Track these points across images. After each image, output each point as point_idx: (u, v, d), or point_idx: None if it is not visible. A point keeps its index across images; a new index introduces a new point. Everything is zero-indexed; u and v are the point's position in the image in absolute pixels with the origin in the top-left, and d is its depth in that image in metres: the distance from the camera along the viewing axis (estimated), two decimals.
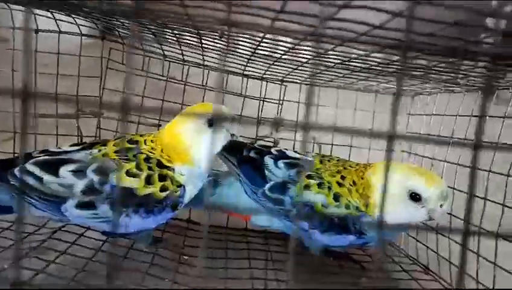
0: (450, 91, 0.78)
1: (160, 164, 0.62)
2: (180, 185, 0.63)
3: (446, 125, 0.77)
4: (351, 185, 0.68)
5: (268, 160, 0.72)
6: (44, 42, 0.80)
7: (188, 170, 0.64)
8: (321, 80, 0.82)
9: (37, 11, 0.77)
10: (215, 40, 0.61)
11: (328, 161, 0.73)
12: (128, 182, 0.59)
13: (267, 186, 0.70)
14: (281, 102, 0.90)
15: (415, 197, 0.62)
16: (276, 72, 0.82)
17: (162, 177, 0.61)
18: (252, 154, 0.74)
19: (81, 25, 0.80)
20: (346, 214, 0.66)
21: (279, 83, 0.90)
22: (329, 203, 0.66)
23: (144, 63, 0.85)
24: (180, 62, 0.86)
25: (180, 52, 0.80)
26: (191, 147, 0.64)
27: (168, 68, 0.86)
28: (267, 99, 0.90)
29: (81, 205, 0.58)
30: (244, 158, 0.73)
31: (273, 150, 0.74)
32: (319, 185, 0.67)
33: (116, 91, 0.86)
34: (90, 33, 0.82)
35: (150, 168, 0.61)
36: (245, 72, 0.87)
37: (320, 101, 0.91)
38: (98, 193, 0.58)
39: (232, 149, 0.74)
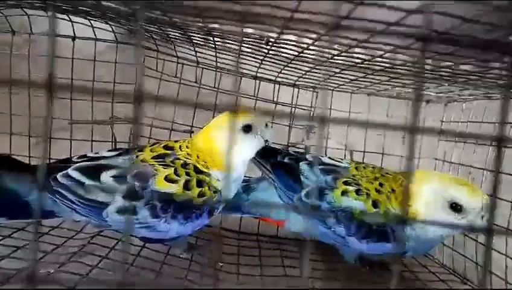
0: (488, 98, 0.77)
1: (197, 170, 0.62)
2: (216, 191, 0.63)
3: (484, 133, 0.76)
4: (389, 192, 0.67)
5: (303, 166, 0.72)
6: (80, 49, 0.82)
7: (224, 176, 0.64)
8: (355, 86, 0.81)
9: (73, 18, 0.79)
10: (256, 47, 0.61)
11: (364, 167, 0.73)
12: (168, 188, 0.60)
13: (303, 192, 0.69)
14: (312, 109, 0.90)
15: (455, 207, 0.61)
16: (309, 78, 0.82)
17: (200, 183, 0.61)
18: (286, 160, 0.74)
19: (117, 32, 0.81)
20: (385, 222, 0.65)
21: (311, 89, 0.90)
22: (368, 210, 0.66)
23: (177, 69, 0.86)
24: (213, 68, 0.87)
25: (214, 58, 0.81)
26: (226, 153, 0.64)
27: (200, 74, 0.87)
28: (299, 106, 0.90)
29: (122, 211, 0.58)
30: (278, 164, 0.73)
31: (308, 156, 0.74)
32: (357, 191, 0.67)
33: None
34: (124, 40, 0.83)
35: (187, 174, 0.61)
36: (277, 79, 0.87)
37: (352, 107, 0.91)
38: (139, 198, 0.59)
39: (266, 154, 0.74)
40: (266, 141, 0.68)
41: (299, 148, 0.90)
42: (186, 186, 0.60)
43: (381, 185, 0.68)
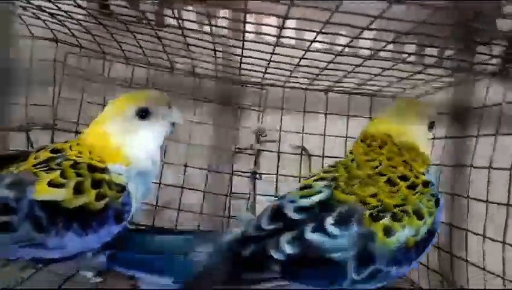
0: None
1: (91, 168, 0.51)
2: (122, 189, 0.52)
3: None
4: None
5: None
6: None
7: (126, 169, 0.54)
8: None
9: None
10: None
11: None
12: (52, 194, 0.48)
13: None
14: (261, 109, 0.79)
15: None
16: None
17: (96, 183, 0.50)
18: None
19: (31, 24, 0.70)
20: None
21: (259, 87, 0.79)
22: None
23: (104, 67, 0.76)
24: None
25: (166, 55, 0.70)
26: (122, 146, 0.54)
27: (131, 73, 0.76)
28: (246, 106, 0.79)
29: None
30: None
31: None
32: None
33: (72, 100, 0.76)
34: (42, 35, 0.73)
35: (78, 174, 0.50)
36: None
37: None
38: (14, 212, 0.47)
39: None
40: (173, 123, 0.58)
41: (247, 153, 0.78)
42: (78, 189, 0.49)
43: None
